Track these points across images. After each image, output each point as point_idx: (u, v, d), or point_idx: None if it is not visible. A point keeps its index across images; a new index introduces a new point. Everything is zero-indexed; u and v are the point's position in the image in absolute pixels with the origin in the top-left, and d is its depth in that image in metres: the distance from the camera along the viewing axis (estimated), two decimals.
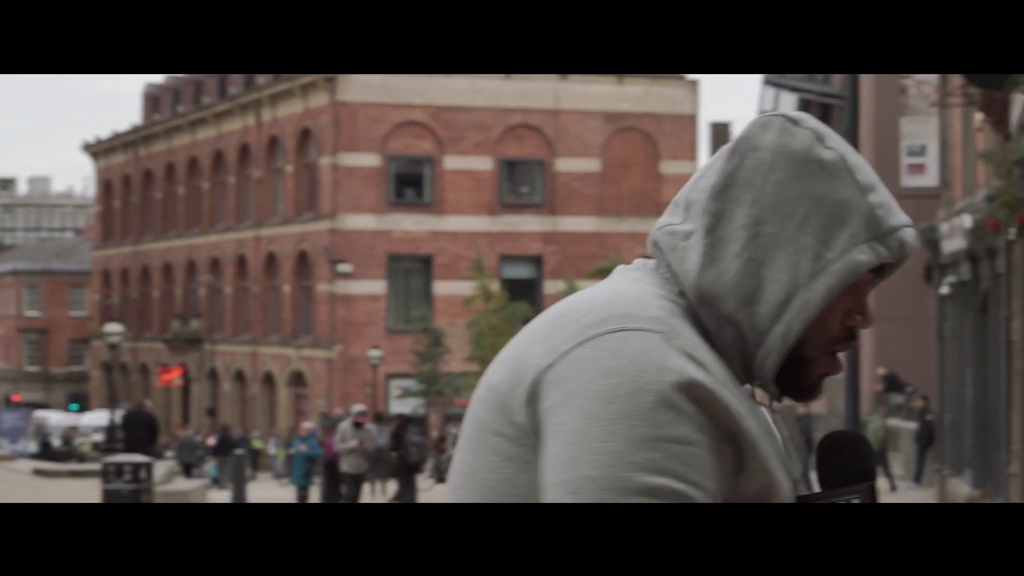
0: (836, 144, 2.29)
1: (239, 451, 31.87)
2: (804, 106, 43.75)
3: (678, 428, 2.12)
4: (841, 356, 2.32)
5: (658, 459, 2.10)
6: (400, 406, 54.64)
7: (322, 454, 29.35)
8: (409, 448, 27.64)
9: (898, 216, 2.27)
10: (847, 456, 2.29)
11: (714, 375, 2.17)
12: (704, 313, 2.25)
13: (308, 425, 29.91)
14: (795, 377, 2.28)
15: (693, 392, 2.13)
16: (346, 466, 27.58)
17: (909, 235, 2.28)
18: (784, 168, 2.26)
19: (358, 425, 27.64)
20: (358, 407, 28.58)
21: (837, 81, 41.19)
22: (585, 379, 2.14)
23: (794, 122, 2.30)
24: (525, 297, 57.86)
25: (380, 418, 35.35)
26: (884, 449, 33.91)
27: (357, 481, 27.73)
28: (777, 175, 2.26)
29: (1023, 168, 10.86)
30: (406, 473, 27.99)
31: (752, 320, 2.24)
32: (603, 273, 58.00)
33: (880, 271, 2.31)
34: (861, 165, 2.28)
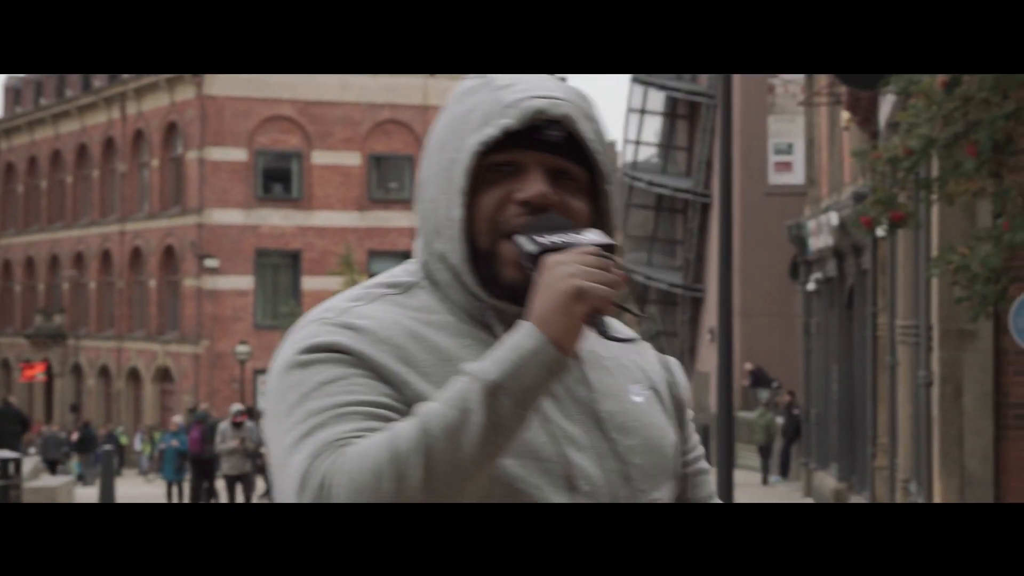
0: (487, 76, 2.38)
1: (108, 447, 31.55)
2: (672, 104, 44.17)
3: (315, 376, 2.24)
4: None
5: (315, 406, 2.20)
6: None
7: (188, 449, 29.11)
8: None
9: (528, 92, 2.32)
10: (551, 218, 2.29)
11: (371, 334, 2.27)
12: (430, 277, 2.37)
13: (178, 420, 29.65)
14: (495, 276, 2.31)
15: (326, 348, 2.25)
16: (227, 467, 26.67)
17: (536, 103, 2.30)
18: (443, 111, 2.40)
19: (237, 425, 26.60)
20: (237, 407, 27.47)
21: (704, 80, 41.64)
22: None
23: (470, 79, 2.41)
24: None
25: (251, 414, 35.13)
26: (771, 442, 34.19)
27: (242, 482, 26.71)
28: (439, 119, 2.40)
29: (895, 167, 11.14)
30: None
31: (443, 253, 2.34)
32: None
33: (553, 149, 2.31)
34: (508, 76, 2.36)
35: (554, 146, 2.31)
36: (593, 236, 2.24)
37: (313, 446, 2.16)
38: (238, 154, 59.23)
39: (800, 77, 30.60)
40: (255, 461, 30.06)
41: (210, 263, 57.97)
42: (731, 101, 18.70)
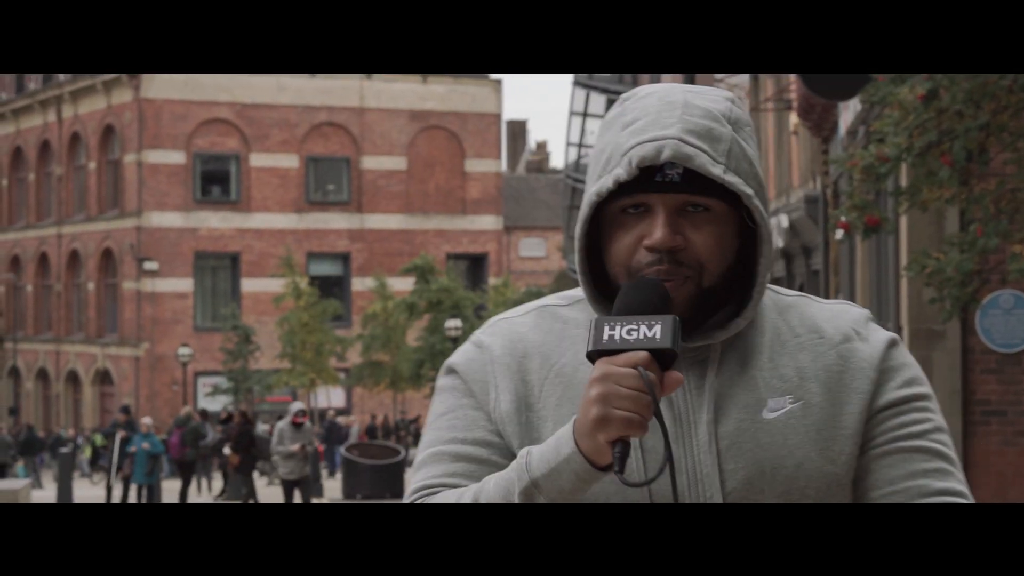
0: (629, 99, 2.43)
1: (64, 450, 31.71)
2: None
3: (439, 406, 2.47)
4: (665, 280, 2.34)
5: (430, 438, 2.44)
6: (210, 403, 54.54)
7: (164, 451, 29.27)
8: (259, 445, 27.51)
9: (639, 136, 2.34)
10: (647, 292, 2.31)
11: (491, 351, 2.45)
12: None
13: (147, 421, 29.81)
14: None
15: (453, 369, 2.47)
16: (284, 471, 23.97)
17: (640, 150, 2.32)
18: (599, 128, 2.48)
19: (297, 426, 23.89)
20: (297, 405, 24.82)
21: (645, 82, 42.17)
22: None
23: (620, 97, 2.48)
24: (333, 294, 58.18)
25: (206, 416, 35.34)
26: None
27: (300, 486, 23.98)
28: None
29: (870, 174, 11.61)
30: (249, 472, 27.84)
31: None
32: (413, 271, 57.04)
33: (675, 188, 2.33)
34: (637, 107, 2.39)
35: (676, 184, 2.33)
36: (657, 331, 2.21)
37: (415, 484, 2.42)
38: (176, 157, 59.31)
39: (745, 82, 31.13)
40: (204, 459, 29.86)
41: (149, 266, 58.01)
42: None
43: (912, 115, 11.26)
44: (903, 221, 14.14)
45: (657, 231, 2.32)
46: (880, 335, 2.45)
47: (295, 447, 23.51)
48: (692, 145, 2.31)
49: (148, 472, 27.77)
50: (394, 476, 30.83)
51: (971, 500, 2.41)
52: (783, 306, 2.48)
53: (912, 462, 2.39)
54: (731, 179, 2.32)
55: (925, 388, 2.45)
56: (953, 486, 2.39)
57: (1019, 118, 11.15)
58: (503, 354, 2.44)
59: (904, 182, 12.80)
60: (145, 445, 27.59)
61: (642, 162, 2.31)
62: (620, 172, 2.32)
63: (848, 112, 17.93)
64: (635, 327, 2.21)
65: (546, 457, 2.25)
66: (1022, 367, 13.63)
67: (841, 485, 2.38)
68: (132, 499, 29.09)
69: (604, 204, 2.37)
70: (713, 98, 2.40)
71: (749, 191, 2.34)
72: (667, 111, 2.35)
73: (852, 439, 2.39)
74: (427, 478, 2.41)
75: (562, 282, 52.60)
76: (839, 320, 2.46)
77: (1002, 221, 11.12)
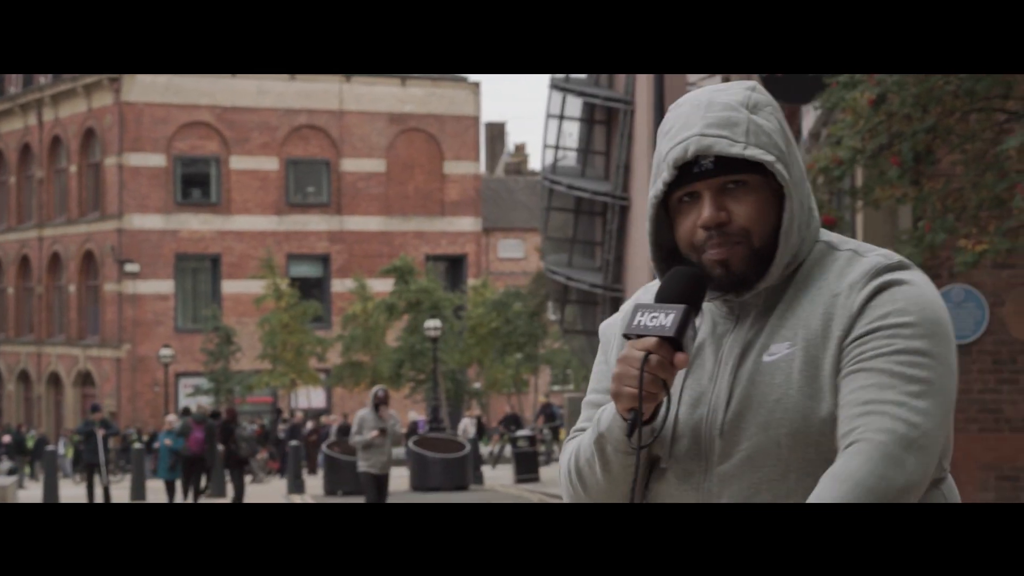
0: (671, 111, 2.84)
1: (50, 448, 32.21)
2: (589, 110, 45.09)
3: (594, 361, 2.99)
4: (720, 248, 2.77)
5: (588, 388, 2.97)
6: (191, 404, 54.94)
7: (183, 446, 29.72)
8: (239, 443, 27.84)
9: (672, 141, 2.78)
10: (677, 282, 2.77)
11: (621, 314, 2.95)
12: None
13: (172, 418, 30.41)
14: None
15: (601, 332, 3.00)
16: (364, 465, 20.34)
17: (673, 152, 2.77)
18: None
19: (378, 407, 20.24)
20: (376, 387, 20.87)
21: (621, 87, 42.63)
22: None
23: (669, 109, 2.88)
24: (313, 295, 58.67)
25: (188, 413, 35.73)
26: None
27: (379, 485, 20.38)
28: None
29: (827, 175, 12.16)
30: (235, 468, 28.18)
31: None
32: (392, 272, 57.14)
33: (712, 173, 2.76)
34: (673, 116, 2.82)
35: (711, 170, 2.77)
36: (668, 320, 2.65)
37: (573, 429, 2.97)
38: (156, 160, 59.69)
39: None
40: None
41: (130, 268, 58.38)
42: (664, 105, 19.82)
43: (863, 119, 11.76)
44: (858, 219, 14.71)
45: (704, 211, 2.76)
46: (874, 284, 2.74)
47: (372, 434, 19.97)
48: (711, 136, 2.74)
49: (170, 468, 28.52)
50: (461, 470, 31.88)
51: (911, 415, 2.63)
52: (828, 261, 2.83)
53: (856, 381, 2.69)
54: (751, 152, 2.74)
55: (900, 318, 2.71)
56: (884, 396, 2.65)
57: (964, 121, 11.66)
58: (623, 316, 2.97)
59: (859, 182, 13.33)
60: (168, 442, 28.29)
61: (676, 162, 2.76)
62: (665, 175, 2.78)
63: (810, 115, 18.52)
64: (656, 314, 2.68)
65: (607, 415, 2.78)
66: (971, 357, 14.20)
67: (821, 419, 2.71)
68: (115, 492, 29.67)
69: (667, 199, 2.83)
70: (734, 91, 2.81)
71: (770, 158, 2.74)
72: (694, 113, 2.79)
73: (831, 377, 2.72)
74: (580, 422, 2.95)
75: (540, 283, 53.06)
76: (855, 273, 2.78)
77: (948, 218, 11.60)
